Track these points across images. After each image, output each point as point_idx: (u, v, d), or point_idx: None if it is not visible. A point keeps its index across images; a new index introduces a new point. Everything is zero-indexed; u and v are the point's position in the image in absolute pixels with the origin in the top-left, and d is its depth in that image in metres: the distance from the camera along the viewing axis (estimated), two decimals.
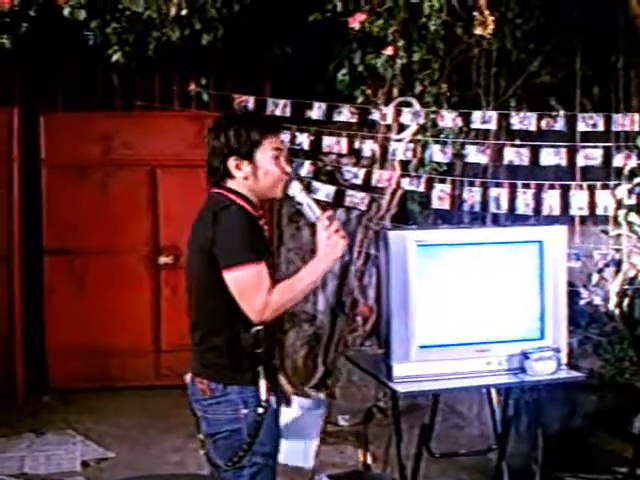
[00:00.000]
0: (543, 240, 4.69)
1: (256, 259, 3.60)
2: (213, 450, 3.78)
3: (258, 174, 3.75)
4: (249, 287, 3.58)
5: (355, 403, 7.48)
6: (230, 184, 3.77)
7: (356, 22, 7.36)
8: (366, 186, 7.82)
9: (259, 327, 3.68)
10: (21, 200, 8.19)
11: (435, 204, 7.46)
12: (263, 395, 3.69)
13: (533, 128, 7.32)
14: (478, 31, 7.27)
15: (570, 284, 6.62)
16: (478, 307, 4.65)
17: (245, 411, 3.68)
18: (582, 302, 7.05)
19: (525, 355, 4.51)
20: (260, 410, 3.68)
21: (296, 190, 3.80)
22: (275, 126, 4.01)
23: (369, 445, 5.29)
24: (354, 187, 7.86)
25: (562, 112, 7.39)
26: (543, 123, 7.32)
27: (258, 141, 3.75)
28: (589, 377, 6.39)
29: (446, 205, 7.43)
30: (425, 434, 5.02)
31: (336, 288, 8.21)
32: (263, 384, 3.70)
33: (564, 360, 4.64)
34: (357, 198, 7.82)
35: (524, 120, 7.34)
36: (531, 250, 4.70)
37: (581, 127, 7.25)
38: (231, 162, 3.74)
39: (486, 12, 7.24)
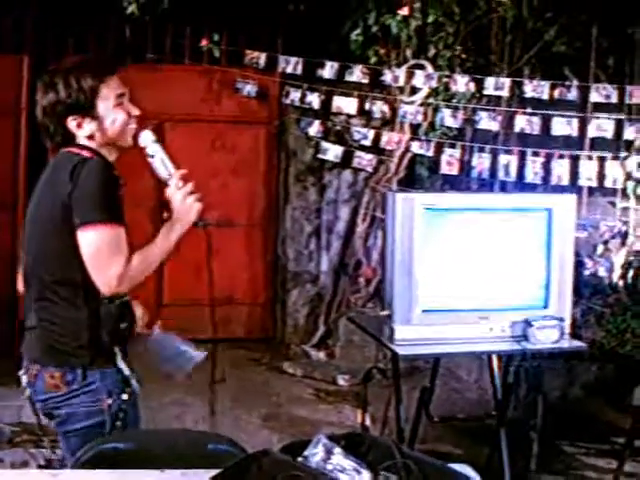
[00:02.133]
0: (552, 208, 4.66)
1: (117, 221, 3.08)
2: (64, 448, 3.25)
3: (105, 127, 3.20)
4: (105, 252, 3.04)
5: (355, 364, 7.49)
6: (81, 142, 3.20)
7: None
8: (375, 148, 7.80)
9: (125, 298, 3.18)
10: (27, 150, 8.14)
11: (444, 169, 7.46)
12: (127, 373, 3.21)
13: (546, 97, 7.29)
14: None
15: (575, 254, 6.62)
16: (483, 273, 4.64)
17: (109, 401, 3.14)
18: (586, 272, 7.05)
19: (528, 323, 4.50)
20: (125, 396, 3.18)
21: (148, 140, 3.27)
22: (110, 66, 3.29)
23: (367, 406, 5.28)
24: (363, 148, 7.83)
25: (575, 82, 7.34)
26: (556, 92, 7.29)
27: (95, 89, 3.16)
28: (591, 347, 6.40)
29: (455, 171, 7.43)
30: (424, 397, 5.03)
31: (340, 249, 8.20)
32: (123, 364, 3.20)
33: (567, 330, 4.63)
34: (365, 159, 7.80)
35: (537, 88, 7.31)
36: (540, 218, 4.68)
37: (594, 98, 7.22)
38: (70, 122, 3.17)
39: None
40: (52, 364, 3.13)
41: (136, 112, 3.27)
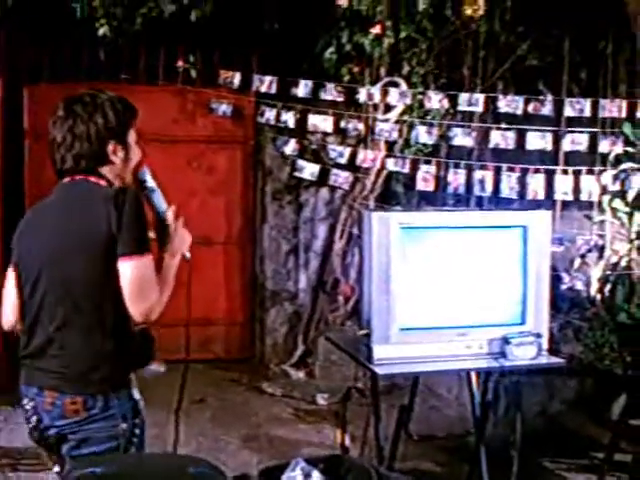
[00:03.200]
0: (527, 225, 4.67)
1: (150, 250, 3.20)
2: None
3: (130, 157, 3.35)
4: (147, 281, 3.14)
5: (334, 382, 7.48)
6: (101, 171, 3.31)
7: (344, 0, 7.33)
8: (351, 166, 7.80)
9: (143, 325, 3.26)
10: (3, 171, 8.10)
11: (420, 185, 7.47)
12: (137, 398, 3.31)
13: (520, 112, 7.31)
14: (468, 12, 7.25)
15: (552, 269, 6.62)
16: (460, 291, 4.64)
17: (124, 426, 3.22)
18: (564, 287, 7.07)
19: (506, 340, 4.50)
20: (137, 421, 3.28)
21: (148, 176, 3.41)
22: (135, 108, 3.44)
23: (347, 425, 5.27)
24: (339, 166, 7.83)
25: (549, 96, 7.37)
26: (530, 107, 7.32)
27: (131, 120, 3.37)
28: (569, 362, 6.41)
29: (430, 187, 7.44)
30: (404, 416, 5.02)
31: (318, 267, 8.19)
32: (135, 390, 3.32)
33: (545, 345, 4.63)
34: (341, 177, 7.81)
35: (511, 103, 7.35)
36: (515, 235, 4.69)
37: (568, 112, 7.26)
38: (110, 147, 3.28)
39: None
40: (74, 391, 3.16)
41: (140, 150, 3.42)
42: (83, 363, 3.17)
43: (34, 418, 3.25)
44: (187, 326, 3.61)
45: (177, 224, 3.37)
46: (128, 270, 3.10)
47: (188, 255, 3.43)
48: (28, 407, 3.27)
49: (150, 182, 3.40)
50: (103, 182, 3.26)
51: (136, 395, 3.30)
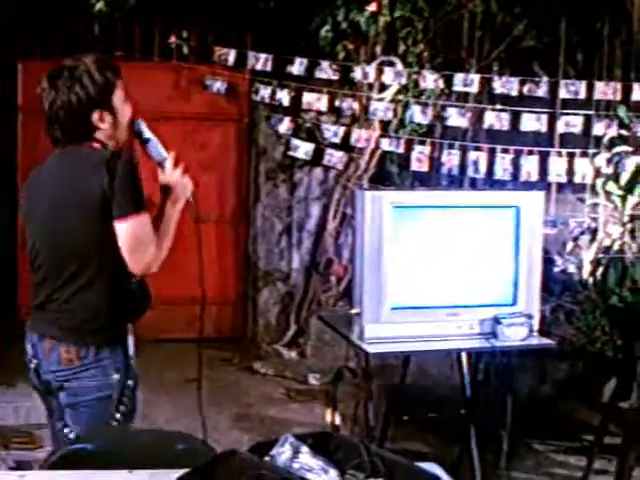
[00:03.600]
0: (520, 206, 4.67)
1: (145, 209, 3.36)
2: (72, 421, 3.42)
3: (119, 120, 3.45)
4: (143, 238, 3.32)
5: (326, 362, 7.47)
6: (97, 137, 3.44)
7: None
8: (345, 145, 7.78)
9: (140, 277, 3.47)
10: None
11: (414, 166, 7.45)
12: (132, 351, 3.48)
13: (515, 93, 7.29)
14: None
15: (545, 251, 6.61)
16: (452, 270, 4.64)
17: (117, 376, 3.40)
18: (556, 269, 7.07)
19: (497, 320, 4.50)
20: (130, 374, 3.46)
21: (143, 127, 3.55)
22: (118, 66, 3.56)
23: (338, 405, 5.27)
24: (333, 145, 7.81)
25: (545, 78, 7.35)
26: (525, 88, 7.29)
27: (114, 84, 3.44)
28: (560, 345, 6.42)
29: (425, 167, 7.43)
30: (394, 396, 5.02)
31: (311, 247, 8.18)
32: (131, 342, 3.50)
33: (536, 327, 4.63)
34: (335, 157, 7.78)
35: (506, 84, 7.32)
36: (508, 215, 4.69)
37: (563, 94, 7.23)
38: (95, 115, 3.40)
39: None
40: (69, 341, 3.37)
41: (130, 106, 3.53)
42: (80, 315, 3.38)
43: (34, 362, 3.49)
44: (202, 305, 4.05)
45: (176, 171, 3.50)
46: (124, 230, 3.29)
47: (191, 199, 3.56)
48: (29, 352, 3.50)
49: (146, 133, 3.54)
50: (97, 145, 3.41)
51: (131, 351, 3.47)
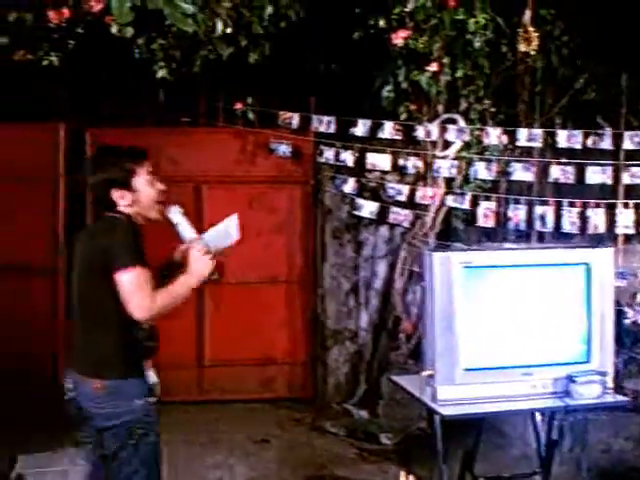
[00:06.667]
0: (590, 262, 4.67)
1: (141, 264, 3.97)
2: (111, 440, 4.10)
3: (140, 198, 4.19)
4: (137, 287, 3.94)
5: (399, 422, 7.44)
6: (119, 209, 4.18)
7: (399, 38, 7.38)
8: (410, 203, 7.81)
9: (151, 323, 4.13)
10: (66, 217, 8.25)
11: (480, 222, 7.45)
12: (152, 382, 4.17)
13: (579, 146, 7.28)
14: (522, 48, 7.26)
15: (615, 303, 6.58)
16: (524, 330, 4.65)
17: (139, 402, 4.07)
18: (627, 321, 7.00)
19: (570, 379, 4.49)
20: (151, 399, 4.13)
21: (175, 212, 4.24)
22: (144, 154, 4.30)
23: (412, 465, 5.26)
24: (398, 204, 7.84)
25: (608, 130, 7.34)
26: (589, 141, 7.28)
27: (133, 170, 4.18)
28: (634, 399, 6.34)
29: (491, 223, 7.42)
30: (468, 457, 5.00)
31: (379, 305, 8.19)
32: (150, 374, 4.18)
33: (610, 384, 4.61)
34: (401, 215, 7.81)
35: (570, 138, 7.31)
36: (578, 272, 4.69)
37: (627, 145, 7.21)
38: (114, 193, 4.16)
39: (530, 29, 7.24)
40: (97, 376, 4.06)
41: (161, 187, 4.28)
42: (100, 354, 4.08)
43: (72, 393, 4.18)
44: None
45: (197, 252, 4.15)
46: (120, 280, 3.96)
47: (216, 276, 4.21)
48: (70, 386, 4.20)
49: (175, 218, 4.24)
50: (118, 215, 4.15)
51: (151, 379, 4.17)
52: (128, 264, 3.93)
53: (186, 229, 4.23)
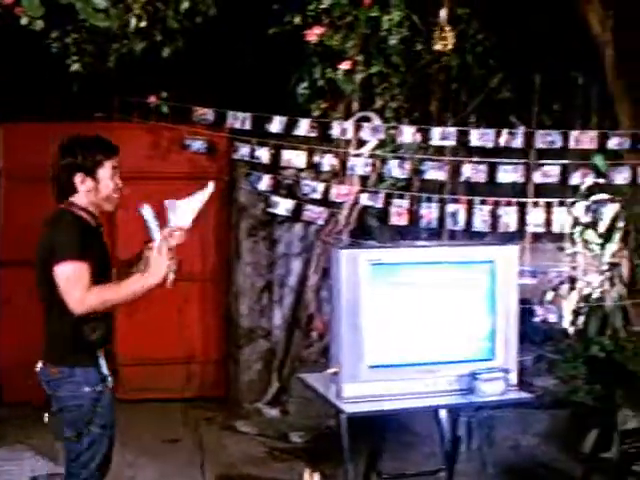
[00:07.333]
0: (495, 260, 4.69)
1: (78, 258, 4.10)
2: (65, 424, 4.31)
3: (99, 187, 4.35)
4: (70, 281, 4.10)
5: (309, 420, 7.43)
6: (74, 198, 4.35)
7: (313, 35, 7.36)
8: (325, 201, 7.80)
9: (96, 318, 4.22)
10: None
11: (393, 220, 7.46)
12: (105, 372, 4.31)
13: (491, 145, 7.33)
14: (438, 47, 7.28)
15: (525, 301, 6.65)
16: (429, 327, 4.66)
17: (87, 389, 4.24)
18: (537, 319, 7.07)
19: (474, 376, 4.51)
20: (99, 388, 4.27)
21: (144, 211, 4.31)
22: (116, 149, 4.48)
23: (321, 464, 5.24)
24: (313, 201, 7.83)
25: (522, 128, 7.41)
26: (501, 139, 7.34)
27: (101, 161, 4.36)
28: (541, 396, 6.41)
29: (404, 221, 7.44)
30: (373, 456, 5.00)
31: (293, 303, 8.16)
32: (103, 365, 4.30)
33: (513, 381, 4.64)
34: (315, 212, 7.80)
35: (483, 137, 7.36)
36: (483, 270, 4.72)
37: (539, 144, 7.28)
38: (77, 178, 4.32)
39: (446, 28, 7.27)
40: (51, 361, 4.31)
41: (120, 183, 4.45)
42: (53, 343, 4.32)
43: (41, 375, 4.39)
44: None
45: (155, 254, 4.24)
46: (57, 272, 4.12)
47: (170, 281, 4.29)
48: (39, 368, 4.38)
49: (145, 217, 4.31)
50: (74, 208, 4.31)
51: (103, 369, 4.30)
52: (66, 257, 4.09)
53: (153, 229, 4.30)
